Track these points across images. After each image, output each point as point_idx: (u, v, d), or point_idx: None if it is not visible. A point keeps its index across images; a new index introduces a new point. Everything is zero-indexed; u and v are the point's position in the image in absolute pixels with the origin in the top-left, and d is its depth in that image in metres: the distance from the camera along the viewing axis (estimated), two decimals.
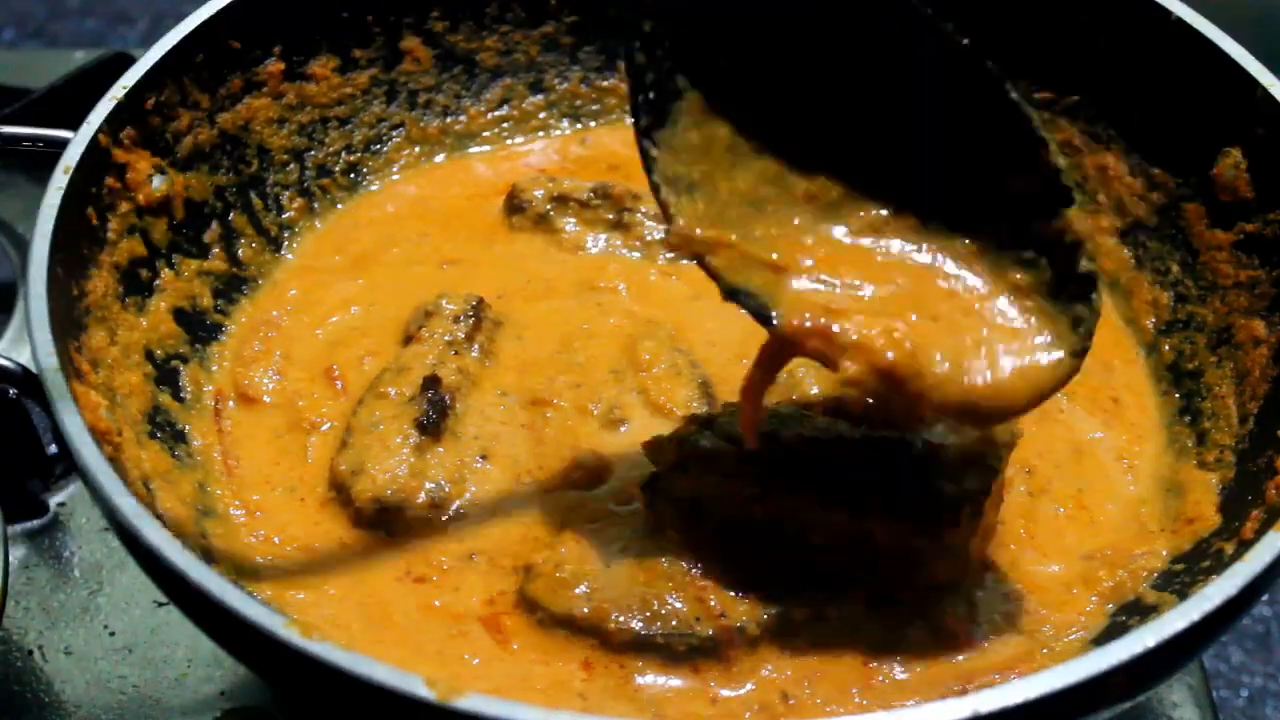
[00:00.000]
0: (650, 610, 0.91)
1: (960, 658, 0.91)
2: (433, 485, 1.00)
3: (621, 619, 0.90)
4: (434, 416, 1.02)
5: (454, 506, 1.00)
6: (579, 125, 1.37)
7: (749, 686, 0.90)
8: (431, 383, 1.04)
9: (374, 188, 1.30)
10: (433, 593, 0.95)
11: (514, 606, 0.94)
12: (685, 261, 0.88)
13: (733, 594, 0.91)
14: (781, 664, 0.90)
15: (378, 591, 0.96)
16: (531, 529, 0.99)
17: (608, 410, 1.05)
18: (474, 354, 1.09)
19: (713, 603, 0.91)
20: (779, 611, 0.91)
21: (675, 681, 0.90)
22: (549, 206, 1.23)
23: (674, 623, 0.90)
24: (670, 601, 0.91)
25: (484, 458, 1.02)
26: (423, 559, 0.97)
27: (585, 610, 0.91)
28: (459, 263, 1.21)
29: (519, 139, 1.36)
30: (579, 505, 0.99)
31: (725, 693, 0.89)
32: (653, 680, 0.90)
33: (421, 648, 0.92)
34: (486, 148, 1.35)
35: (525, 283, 1.18)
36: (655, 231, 1.21)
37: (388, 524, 0.99)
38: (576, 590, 0.92)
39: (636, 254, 1.21)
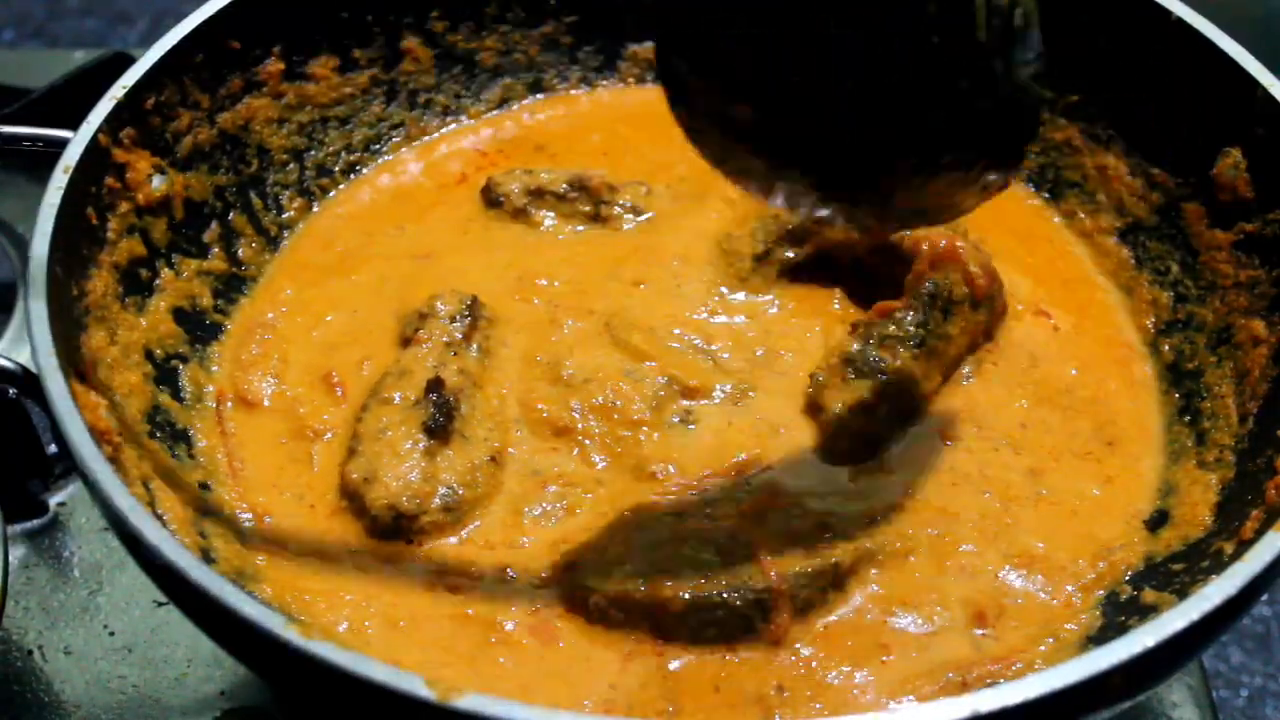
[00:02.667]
0: (704, 574, 0.92)
1: (978, 633, 0.93)
2: (446, 490, 0.99)
3: (677, 585, 0.91)
4: (441, 420, 1.02)
5: (473, 514, 1.00)
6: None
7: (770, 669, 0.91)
8: (435, 385, 1.04)
9: (358, 190, 1.30)
10: (466, 602, 0.95)
11: (565, 612, 0.94)
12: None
13: (783, 549, 0.93)
14: (806, 643, 0.92)
15: (405, 599, 0.95)
16: (559, 534, 0.99)
17: (669, 415, 1.05)
18: (473, 354, 1.09)
19: (765, 558, 0.92)
20: (825, 564, 0.93)
21: (710, 664, 0.91)
22: (526, 201, 1.22)
23: (724, 581, 0.91)
24: (720, 564, 0.92)
25: (493, 459, 1.02)
26: (454, 569, 0.97)
27: (641, 586, 0.91)
28: (435, 255, 1.21)
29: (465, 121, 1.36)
30: (615, 499, 1.00)
31: (748, 678, 0.91)
32: (686, 664, 0.91)
33: (452, 650, 0.92)
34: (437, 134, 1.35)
35: (500, 273, 1.18)
36: (631, 223, 1.21)
37: (405, 531, 0.98)
38: (627, 567, 0.92)
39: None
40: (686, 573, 0.92)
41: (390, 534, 0.98)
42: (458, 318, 1.10)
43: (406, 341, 1.10)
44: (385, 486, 0.98)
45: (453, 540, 0.99)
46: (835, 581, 0.94)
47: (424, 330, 1.09)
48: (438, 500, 0.99)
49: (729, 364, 1.10)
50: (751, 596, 0.91)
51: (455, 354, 1.07)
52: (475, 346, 1.09)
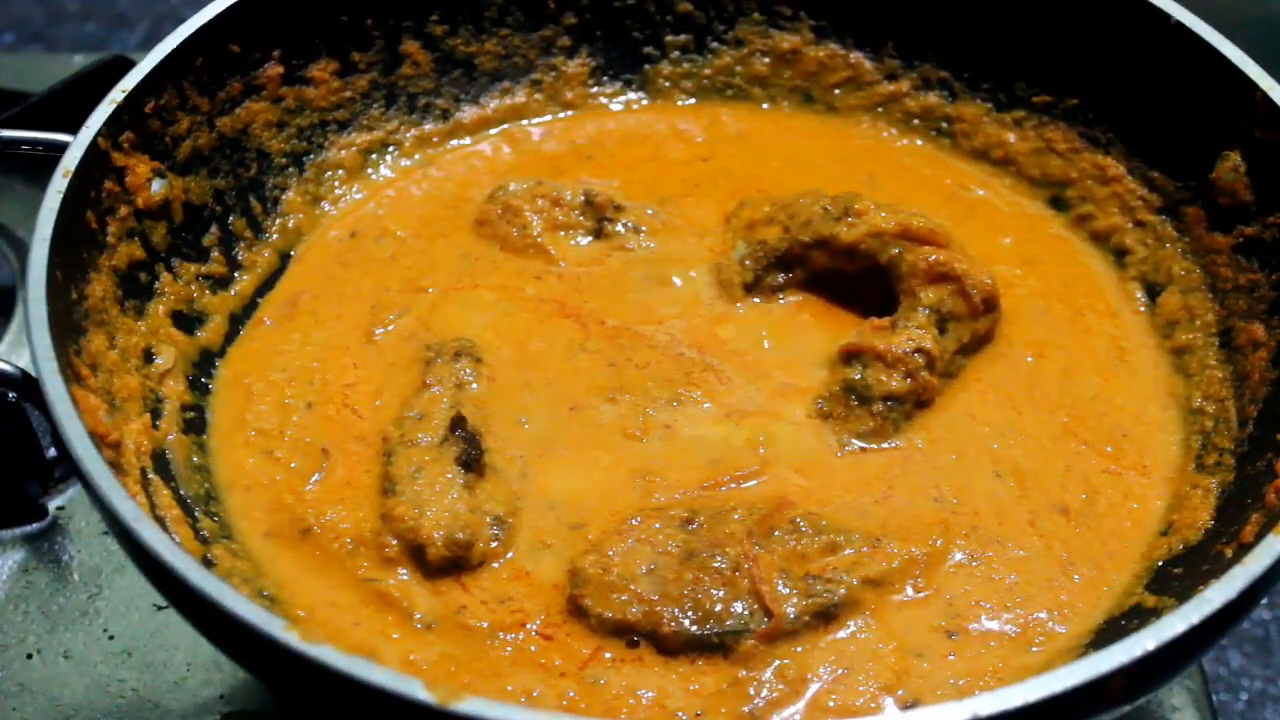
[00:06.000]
0: (703, 610, 0.91)
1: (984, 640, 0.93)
2: (493, 518, 0.98)
3: (675, 622, 0.91)
4: (474, 453, 1.01)
5: (513, 539, 0.99)
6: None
7: (768, 673, 0.91)
8: (459, 422, 1.03)
9: (358, 194, 1.29)
10: (465, 608, 0.95)
11: (563, 619, 0.94)
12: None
13: (783, 587, 0.92)
14: (804, 655, 0.92)
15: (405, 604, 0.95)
16: (561, 542, 0.99)
17: (671, 430, 1.05)
18: (481, 389, 1.09)
19: (766, 591, 0.92)
20: (828, 603, 0.93)
21: (698, 668, 0.91)
22: (530, 210, 1.22)
23: (729, 622, 0.91)
24: (722, 599, 0.92)
25: (524, 475, 1.03)
26: (457, 585, 0.96)
27: (637, 614, 0.91)
28: (431, 261, 1.21)
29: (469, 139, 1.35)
30: (619, 511, 1.00)
31: (743, 673, 0.91)
32: (677, 666, 0.91)
33: (450, 655, 0.92)
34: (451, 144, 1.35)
35: (498, 289, 1.18)
36: (633, 241, 1.21)
37: (462, 565, 0.96)
38: (630, 590, 0.92)
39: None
40: (688, 603, 0.92)
41: (446, 570, 0.96)
42: (459, 356, 1.10)
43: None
44: (436, 522, 0.96)
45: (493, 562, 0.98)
46: (834, 615, 0.93)
47: (430, 375, 1.08)
48: (487, 529, 0.98)
49: (730, 377, 1.10)
50: (751, 639, 0.91)
51: (465, 392, 1.07)
52: (481, 382, 1.09)
